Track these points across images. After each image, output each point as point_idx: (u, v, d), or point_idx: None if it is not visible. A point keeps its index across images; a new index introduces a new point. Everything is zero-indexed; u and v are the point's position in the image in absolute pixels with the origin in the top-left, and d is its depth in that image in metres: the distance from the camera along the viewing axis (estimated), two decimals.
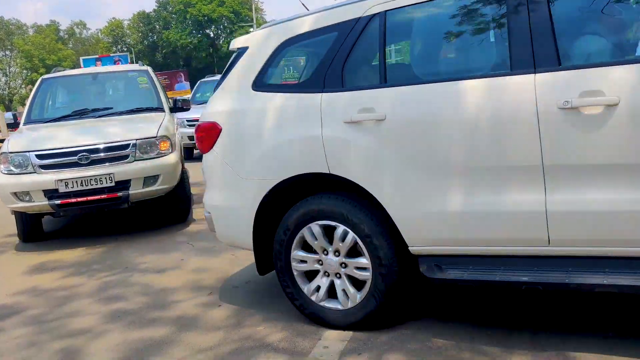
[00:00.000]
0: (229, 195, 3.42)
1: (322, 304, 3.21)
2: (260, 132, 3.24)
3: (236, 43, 3.55)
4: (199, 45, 72.21)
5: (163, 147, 5.87)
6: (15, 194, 5.48)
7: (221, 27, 74.73)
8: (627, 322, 2.99)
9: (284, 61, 3.43)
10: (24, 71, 67.80)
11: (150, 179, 5.72)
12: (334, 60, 3.08)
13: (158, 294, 4.11)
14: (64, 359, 3.20)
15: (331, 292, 3.20)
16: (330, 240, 3.12)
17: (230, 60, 3.56)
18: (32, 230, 6.08)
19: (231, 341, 3.20)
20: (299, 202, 3.19)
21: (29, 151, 5.58)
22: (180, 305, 3.84)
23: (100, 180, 5.50)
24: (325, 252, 3.15)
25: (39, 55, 63.34)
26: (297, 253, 3.23)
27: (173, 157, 5.93)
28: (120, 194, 5.57)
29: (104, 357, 3.16)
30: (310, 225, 3.14)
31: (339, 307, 3.16)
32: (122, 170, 5.60)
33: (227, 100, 3.44)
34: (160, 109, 6.76)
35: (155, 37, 76.23)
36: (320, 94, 3.08)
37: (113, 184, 5.54)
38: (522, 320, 3.11)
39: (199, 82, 15.39)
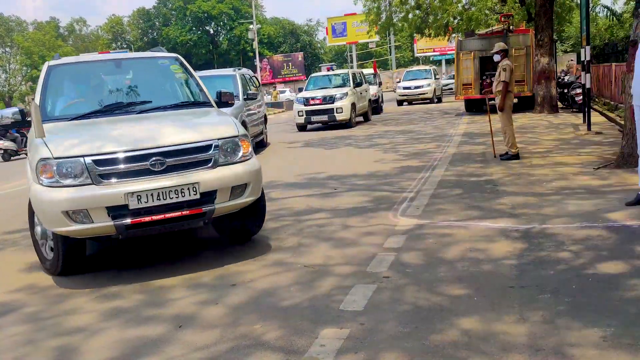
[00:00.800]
0: None
1: None
2: None
3: None
4: (199, 41, 72.18)
5: (246, 148, 4.77)
6: (67, 213, 4.13)
7: (221, 23, 74.66)
8: (625, 319, 2.98)
9: None
10: (24, 68, 67.76)
11: (237, 189, 4.57)
12: None
13: (155, 292, 4.10)
14: (60, 357, 3.19)
15: None
16: None
17: None
18: (74, 259, 4.63)
19: (228, 339, 3.19)
20: None
21: (83, 155, 4.24)
22: (177, 303, 3.83)
23: (182, 192, 4.30)
24: None
25: (38, 52, 63.30)
26: None
27: (257, 162, 4.88)
28: (205, 208, 4.39)
29: (100, 355, 3.15)
30: None
31: None
32: (208, 178, 4.41)
33: None
34: (207, 103, 5.61)
35: (155, 33, 76.18)
36: None
37: (197, 196, 4.35)
38: (520, 318, 3.11)
39: None
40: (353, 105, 17.68)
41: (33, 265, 5.10)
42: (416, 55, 59.65)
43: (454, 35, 24.01)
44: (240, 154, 4.68)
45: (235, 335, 3.23)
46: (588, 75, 11.36)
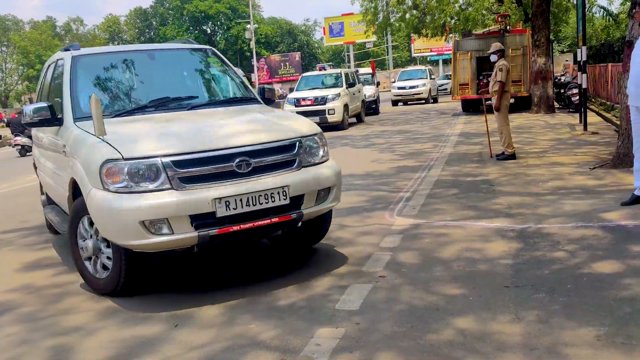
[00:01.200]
0: None
1: None
2: None
3: None
4: (196, 41, 72.14)
5: (324, 148, 4.37)
6: (144, 223, 3.56)
7: (218, 23, 74.58)
8: (619, 318, 2.99)
9: None
10: (20, 67, 67.60)
11: (322, 193, 4.17)
12: None
13: (150, 292, 4.10)
14: (56, 357, 3.18)
15: None
16: None
17: None
18: (138, 275, 3.98)
19: (223, 339, 3.19)
20: None
21: (160, 156, 3.65)
22: (173, 303, 3.83)
23: (272, 197, 3.82)
24: None
25: (35, 52, 63.14)
26: None
27: (336, 163, 4.47)
28: (294, 215, 3.94)
29: (96, 355, 3.15)
30: None
31: None
32: (297, 181, 3.96)
33: None
34: (254, 99, 5.15)
35: (152, 33, 76.07)
36: None
37: (287, 201, 3.89)
38: (515, 318, 3.12)
39: None
40: (346, 106, 17.25)
41: (29, 265, 5.09)
42: (413, 55, 59.69)
43: (451, 35, 24.00)
44: (321, 153, 4.29)
45: (231, 335, 3.23)
46: (584, 75, 11.39)
